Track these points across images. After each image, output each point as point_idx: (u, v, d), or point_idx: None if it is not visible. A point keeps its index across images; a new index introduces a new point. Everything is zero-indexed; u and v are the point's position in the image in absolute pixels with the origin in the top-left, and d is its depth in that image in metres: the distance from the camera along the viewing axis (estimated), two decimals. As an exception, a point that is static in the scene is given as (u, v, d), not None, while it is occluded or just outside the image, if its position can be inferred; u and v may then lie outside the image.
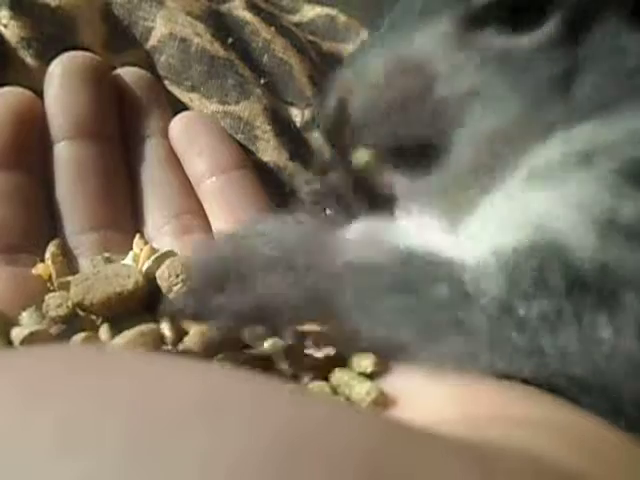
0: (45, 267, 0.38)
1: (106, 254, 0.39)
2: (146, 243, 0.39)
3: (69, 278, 0.35)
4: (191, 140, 0.45)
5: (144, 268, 0.35)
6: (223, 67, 0.50)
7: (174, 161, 0.45)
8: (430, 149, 0.31)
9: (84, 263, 0.40)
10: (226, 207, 0.43)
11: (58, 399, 0.16)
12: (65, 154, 0.42)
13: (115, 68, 0.47)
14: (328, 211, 0.37)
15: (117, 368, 0.18)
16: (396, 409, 0.28)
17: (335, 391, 0.30)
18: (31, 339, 0.31)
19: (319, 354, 0.31)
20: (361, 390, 0.29)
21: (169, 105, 0.48)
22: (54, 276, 0.37)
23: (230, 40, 0.52)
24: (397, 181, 0.33)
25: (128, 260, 0.38)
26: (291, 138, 0.50)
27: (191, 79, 0.49)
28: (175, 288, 0.34)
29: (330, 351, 0.31)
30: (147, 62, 0.50)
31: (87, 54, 0.45)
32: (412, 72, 0.31)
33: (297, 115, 0.51)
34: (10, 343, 0.31)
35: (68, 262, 0.39)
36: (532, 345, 0.26)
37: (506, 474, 0.19)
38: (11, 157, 0.40)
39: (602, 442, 0.24)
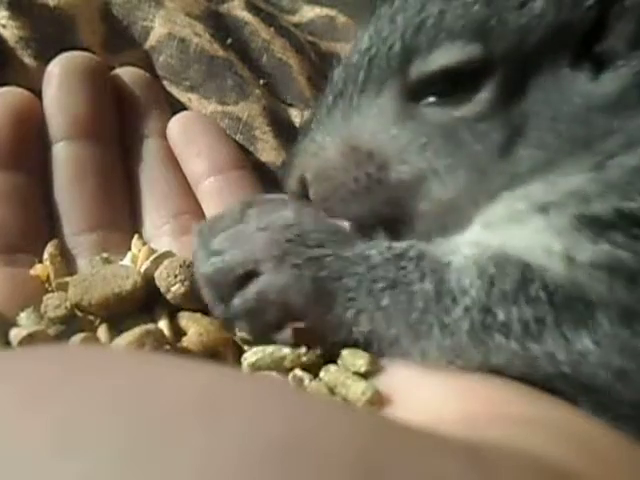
0: (43, 268, 0.38)
1: (104, 254, 0.39)
2: (144, 243, 0.39)
3: (67, 279, 0.35)
4: (189, 140, 0.45)
5: (142, 269, 0.36)
6: (222, 67, 0.50)
7: (172, 161, 0.45)
8: (388, 223, 0.33)
9: (82, 264, 0.40)
10: (224, 207, 0.43)
11: (56, 400, 0.16)
12: (63, 154, 0.42)
13: (114, 68, 0.47)
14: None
15: (114, 369, 0.18)
16: (392, 408, 0.28)
17: (332, 391, 0.30)
18: (29, 340, 0.31)
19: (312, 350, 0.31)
20: (357, 389, 0.29)
21: (168, 105, 0.48)
22: (52, 277, 0.37)
23: (229, 40, 0.52)
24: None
25: (126, 261, 0.38)
26: (290, 139, 0.50)
27: (190, 79, 0.49)
28: (173, 289, 0.34)
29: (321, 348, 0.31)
30: (146, 62, 0.49)
31: (86, 54, 0.45)
32: (363, 160, 0.33)
33: (296, 116, 0.51)
34: (8, 343, 0.31)
35: (66, 263, 0.39)
36: (519, 347, 0.28)
37: (505, 474, 0.19)
38: (9, 157, 0.40)
39: (599, 441, 0.24)
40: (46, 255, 0.38)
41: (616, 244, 0.28)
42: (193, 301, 0.34)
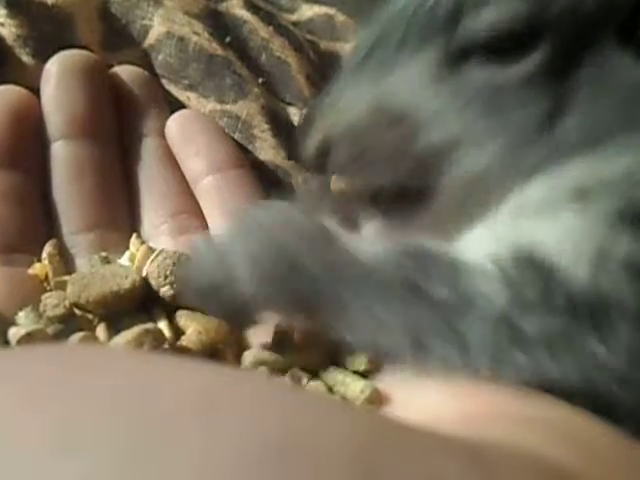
0: (42, 267, 0.38)
1: (103, 254, 0.38)
2: (143, 243, 0.39)
3: (66, 278, 0.35)
4: (188, 139, 0.45)
5: (141, 268, 0.35)
6: (221, 66, 0.50)
7: (171, 160, 0.45)
8: (411, 192, 0.31)
9: (81, 263, 0.40)
10: (223, 206, 0.43)
11: (54, 400, 0.16)
12: (62, 153, 0.42)
13: (112, 66, 0.47)
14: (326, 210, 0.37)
15: (113, 368, 0.18)
16: (391, 407, 0.28)
17: (331, 390, 0.30)
18: (28, 339, 0.31)
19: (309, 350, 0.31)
20: (355, 388, 0.29)
21: (166, 104, 0.48)
22: (51, 276, 0.37)
23: (228, 39, 0.52)
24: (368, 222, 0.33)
25: (124, 260, 0.38)
26: (289, 137, 0.50)
27: (189, 78, 0.49)
28: (162, 290, 0.34)
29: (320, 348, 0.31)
30: (144, 61, 0.49)
31: (84, 52, 0.45)
32: (394, 122, 0.30)
33: (295, 114, 0.51)
34: (7, 343, 0.31)
35: (65, 262, 0.39)
36: (529, 358, 0.25)
37: (505, 474, 0.19)
38: (8, 156, 0.40)
39: (599, 441, 0.24)
40: (44, 254, 0.38)
41: None
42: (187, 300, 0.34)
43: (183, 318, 0.34)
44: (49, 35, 0.46)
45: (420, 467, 0.17)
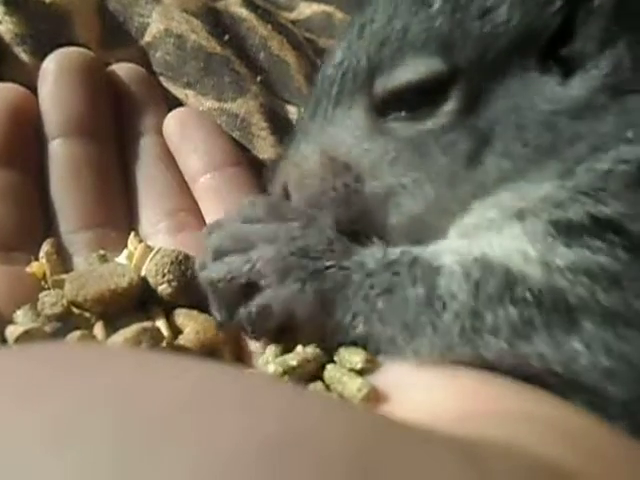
0: (39, 265, 0.38)
1: (101, 252, 0.38)
2: (140, 241, 0.39)
3: (63, 276, 0.35)
4: (185, 137, 0.45)
5: (139, 267, 0.35)
6: (219, 64, 0.49)
7: (169, 158, 0.45)
8: (365, 232, 0.34)
9: (78, 261, 0.39)
10: (221, 204, 0.43)
11: (49, 398, 0.16)
12: (59, 151, 0.42)
13: (110, 64, 0.47)
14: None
15: (108, 366, 0.18)
16: (388, 405, 0.28)
17: (328, 388, 0.30)
18: (26, 337, 0.31)
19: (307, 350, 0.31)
20: (353, 386, 0.29)
21: (164, 102, 0.48)
22: (48, 274, 0.37)
23: (226, 37, 0.52)
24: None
25: (122, 258, 0.37)
26: (287, 135, 0.50)
27: (187, 76, 0.49)
28: (160, 288, 0.34)
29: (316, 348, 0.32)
30: (142, 58, 0.49)
31: (81, 50, 0.44)
32: (341, 172, 0.34)
33: (294, 113, 0.51)
34: (4, 341, 0.31)
35: (62, 260, 0.39)
36: (508, 346, 0.28)
37: (502, 472, 0.18)
38: (5, 154, 0.40)
39: (596, 438, 0.24)
40: (42, 253, 0.38)
41: (592, 249, 0.28)
42: (184, 298, 0.34)
43: (181, 317, 0.34)
44: (47, 33, 0.46)
45: (418, 466, 0.17)
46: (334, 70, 0.35)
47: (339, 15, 0.61)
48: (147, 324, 0.32)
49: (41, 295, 0.34)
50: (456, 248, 0.32)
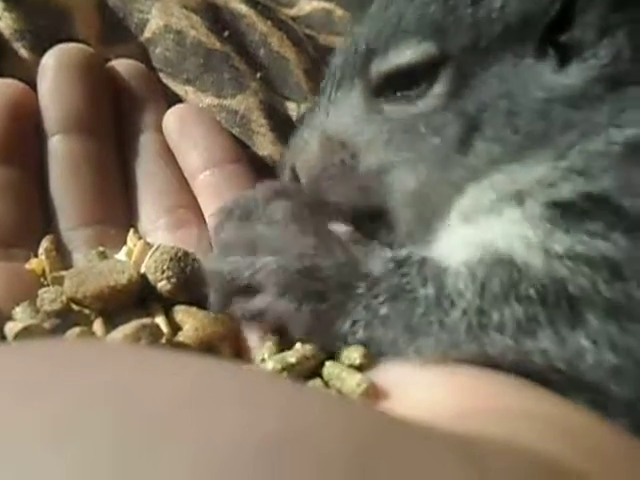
0: (39, 262, 0.37)
1: (100, 249, 0.38)
2: (140, 238, 0.39)
3: (63, 273, 0.35)
4: (185, 133, 0.45)
5: (139, 263, 0.35)
6: (219, 60, 0.49)
7: (168, 155, 0.45)
8: (372, 213, 0.35)
9: (78, 258, 0.39)
10: (221, 201, 0.42)
11: (49, 394, 0.16)
12: (59, 148, 0.42)
13: (109, 60, 0.47)
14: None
15: (108, 363, 0.18)
16: (388, 402, 0.28)
17: (327, 384, 0.30)
18: (25, 333, 0.31)
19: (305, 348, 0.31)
20: (351, 382, 0.29)
21: (164, 98, 0.48)
22: (48, 271, 0.37)
23: (226, 33, 0.51)
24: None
25: (122, 255, 0.37)
26: (287, 132, 0.49)
27: (186, 72, 0.49)
28: (160, 284, 0.34)
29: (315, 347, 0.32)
30: (142, 54, 0.49)
31: (80, 46, 0.44)
32: (338, 148, 0.36)
33: (293, 109, 0.51)
34: (4, 338, 0.31)
35: (62, 257, 0.39)
36: (513, 343, 0.28)
37: (502, 471, 0.18)
38: (5, 151, 0.40)
39: (596, 436, 0.24)
40: (41, 249, 0.38)
41: (590, 233, 0.28)
42: (183, 294, 0.34)
43: (180, 313, 0.34)
44: (46, 29, 0.46)
45: (418, 464, 0.17)
46: (339, 57, 0.37)
47: (339, 12, 0.61)
48: (146, 321, 0.32)
49: (40, 292, 0.34)
50: (462, 241, 0.31)
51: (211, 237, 0.38)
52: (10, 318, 0.33)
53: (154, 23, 0.50)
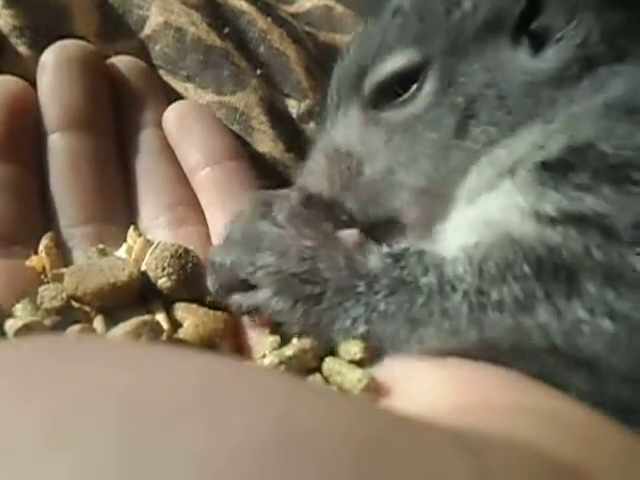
0: (39, 259, 0.37)
1: (100, 246, 0.38)
2: (140, 235, 0.39)
3: (63, 270, 0.35)
4: (185, 130, 0.45)
5: (139, 260, 0.35)
6: (219, 57, 0.49)
7: (168, 152, 0.45)
8: (385, 219, 0.37)
9: (78, 255, 0.39)
10: (221, 198, 0.42)
11: (49, 391, 0.16)
12: (59, 145, 0.42)
13: (109, 57, 0.46)
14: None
15: (109, 359, 0.18)
16: (389, 398, 0.28)
17: (327, 380, 0.30)
18: (25, 330, 0.31)
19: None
20: (352, 377, 0.29)
21: (164, 95, 0.47)
22: (48, 268, 0.37)
23: (226, 30, 0.51)
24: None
25: (122, 252, 0.37)
26: (287, 129, 0.49)
27: (186, 69, 0.49)
28: (160, 282, 0.34)
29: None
30: (142, 51, 0.49)
31: (80, 43, 0.44)
32: (343, 157, 0.38)
33: (293, 106, 0.51)
34: (4, 335, 0.31)
35: (62, 254, 0.39)
36: (512, 321, 0.29)
37: (504, 468, 0.18)
38: (5, 148, 0.40)
39: (597, 431, 0.24)
40: (41, 247, 0.38)
41: (580, 187, 0.29)
42: (184, 292, 0.34)
43: (180, 310, 0.34)
44: (45, 25, 0.45)
45: (420, 460, 0.17)
46: (335, 80, 0.40)
47: (339, 9, 0.61)
48: (147, 318, 0.32)
49: (40, 289, 0.34)
50: (464, 223, 0.33)
51: (219, 234, 0.38)
52: (10, 315, 0.33)
53: (154, 20, 0.49)
